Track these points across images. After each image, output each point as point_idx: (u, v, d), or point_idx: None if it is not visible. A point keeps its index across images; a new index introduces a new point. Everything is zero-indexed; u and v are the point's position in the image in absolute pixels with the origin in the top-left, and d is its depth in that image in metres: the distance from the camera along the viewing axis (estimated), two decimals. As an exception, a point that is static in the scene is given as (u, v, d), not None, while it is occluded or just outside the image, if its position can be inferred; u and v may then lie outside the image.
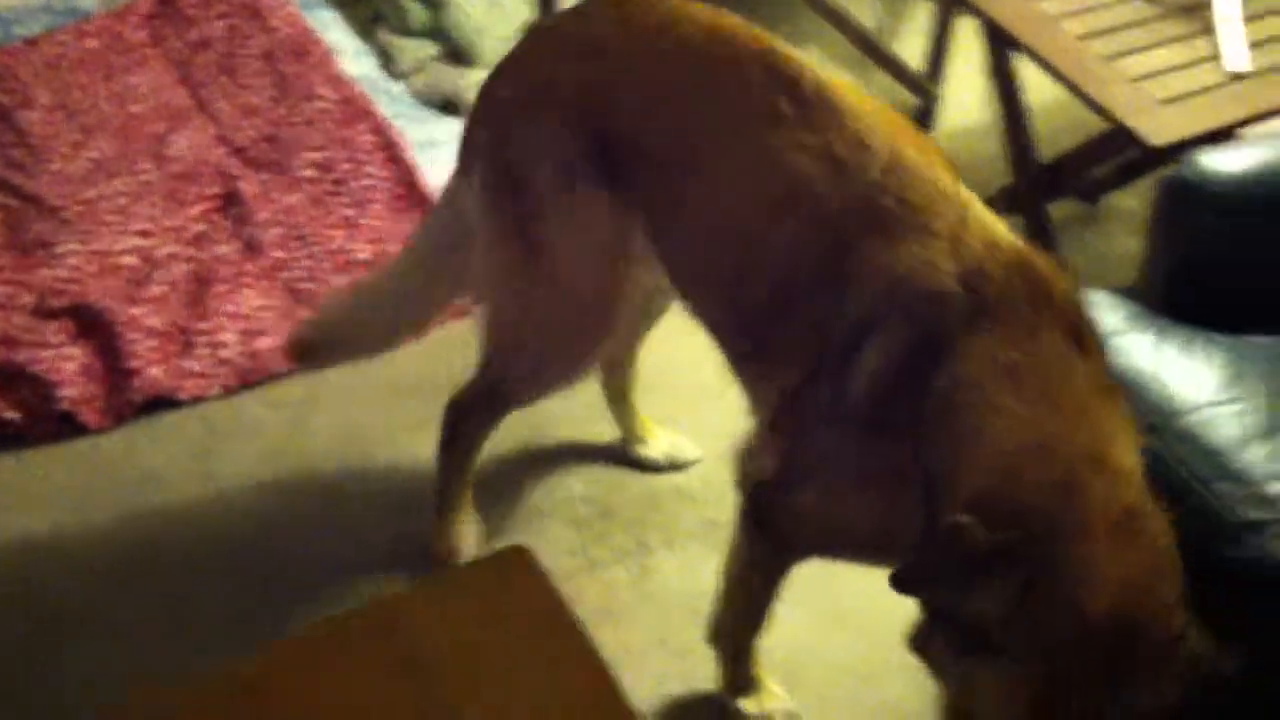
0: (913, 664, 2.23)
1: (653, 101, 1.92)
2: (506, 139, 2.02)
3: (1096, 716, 1.53)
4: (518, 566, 1.70)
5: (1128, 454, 1.62)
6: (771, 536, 1.96)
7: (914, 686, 2.19)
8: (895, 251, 1.73)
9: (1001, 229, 1.78)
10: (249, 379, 2.64)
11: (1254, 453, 1.94)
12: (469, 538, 2.37)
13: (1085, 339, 1.69)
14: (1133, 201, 3.20)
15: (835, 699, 2.22)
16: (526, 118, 2.00)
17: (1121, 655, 1.51)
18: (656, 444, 2.58)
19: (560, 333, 2.13)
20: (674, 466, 2.58)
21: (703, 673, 2.22)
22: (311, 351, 2.38)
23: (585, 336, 2.13)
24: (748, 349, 1.98)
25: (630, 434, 2.59)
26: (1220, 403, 2.00)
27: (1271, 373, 2.05)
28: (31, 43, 3.34)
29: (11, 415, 2.52)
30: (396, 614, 1.60)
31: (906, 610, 2.36)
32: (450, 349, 2.73)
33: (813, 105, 1.82)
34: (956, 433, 1.65)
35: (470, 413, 2.27)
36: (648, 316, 2.37)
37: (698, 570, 2.37)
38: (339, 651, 1.56)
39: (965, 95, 3.51)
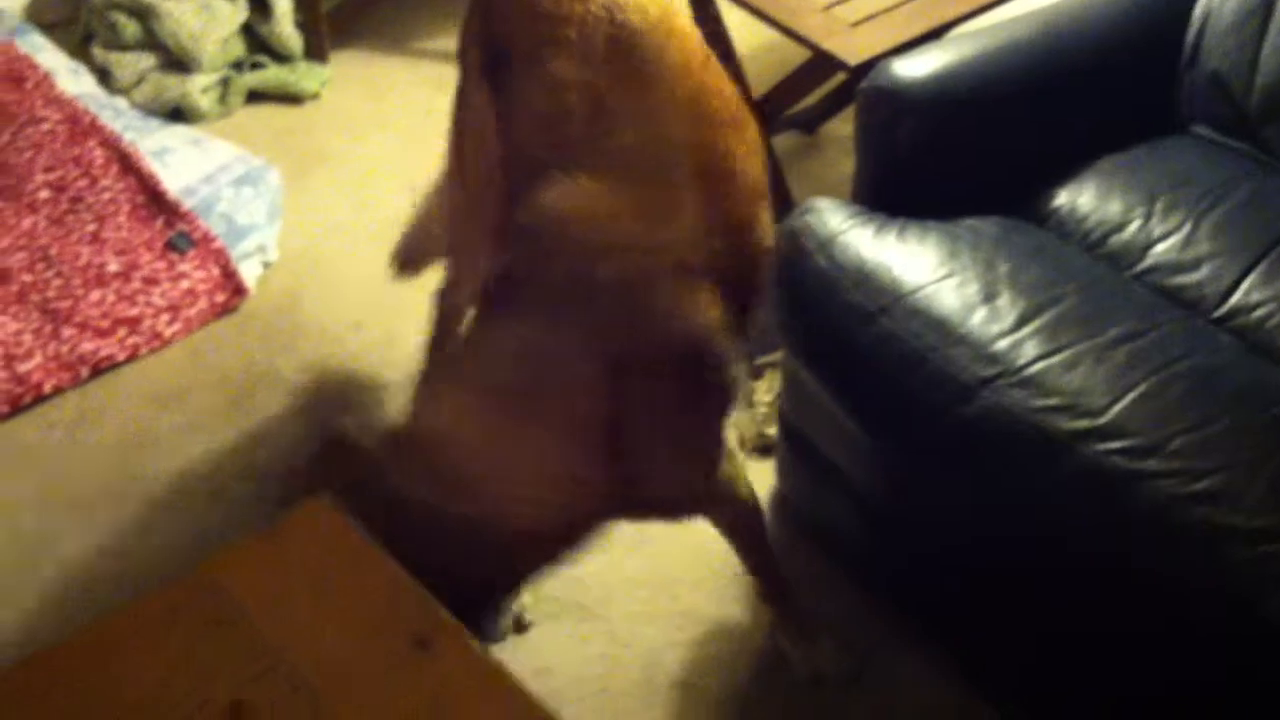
0: (703, 575, 2.39)
1: (516, 13, 2.06)
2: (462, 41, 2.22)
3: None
4: (324, 518, 1.75)
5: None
6: None
7: (706, 594, 2.36)
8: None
9: None
10: (19, 404, 2.61)
11: (976, 317, 2.12)
12: None
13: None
14: (848, 127, 3.40)
15: (639, 612, 2.36)
16: (467, 18, 2.20)
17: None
18: None
19: (460, 217, 2.29)
20: None
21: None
22: (410, 262, 2.56)
23: (477, 221, 2.23)
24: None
25: None
26: (940, 279, 2.18)
27: (979, 246, 2.24)
28: None
29: None
30: (213, 576, 1.63)
31: (693, 531, 2.50)
32: (205, 355, 2.79)
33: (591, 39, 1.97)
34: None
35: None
36: None
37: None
38: (161, 617, 1.59)
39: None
